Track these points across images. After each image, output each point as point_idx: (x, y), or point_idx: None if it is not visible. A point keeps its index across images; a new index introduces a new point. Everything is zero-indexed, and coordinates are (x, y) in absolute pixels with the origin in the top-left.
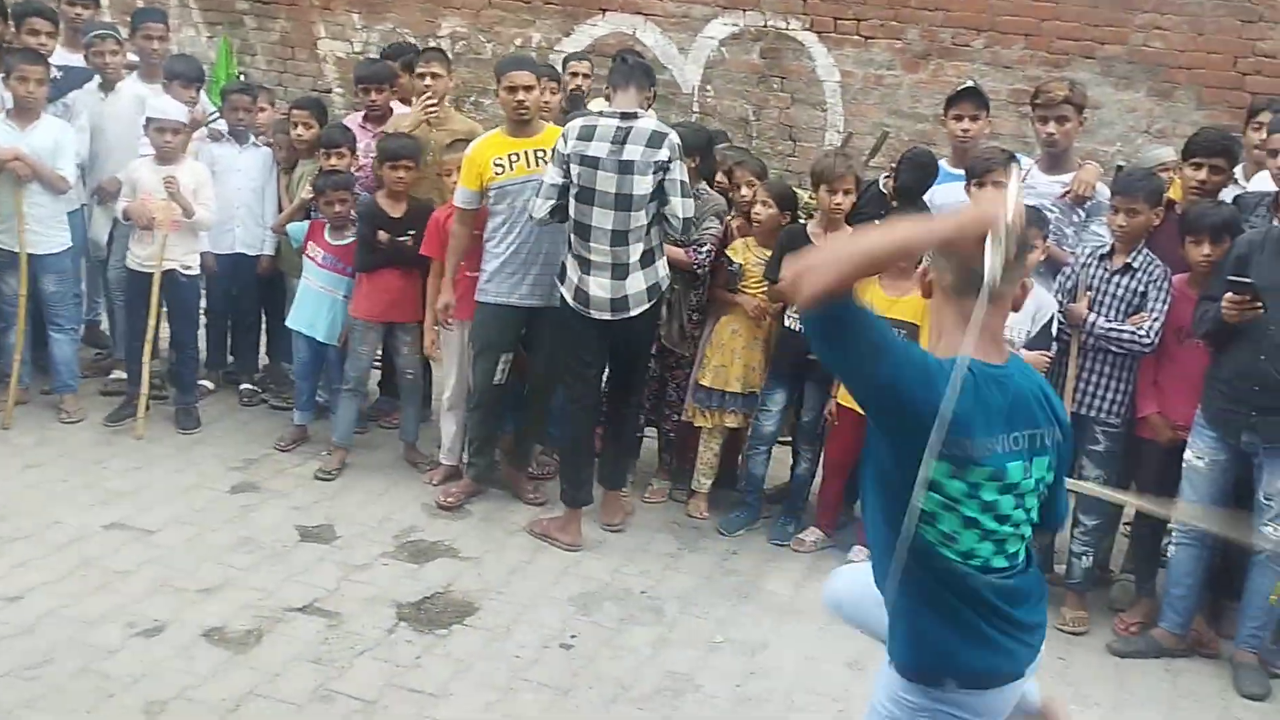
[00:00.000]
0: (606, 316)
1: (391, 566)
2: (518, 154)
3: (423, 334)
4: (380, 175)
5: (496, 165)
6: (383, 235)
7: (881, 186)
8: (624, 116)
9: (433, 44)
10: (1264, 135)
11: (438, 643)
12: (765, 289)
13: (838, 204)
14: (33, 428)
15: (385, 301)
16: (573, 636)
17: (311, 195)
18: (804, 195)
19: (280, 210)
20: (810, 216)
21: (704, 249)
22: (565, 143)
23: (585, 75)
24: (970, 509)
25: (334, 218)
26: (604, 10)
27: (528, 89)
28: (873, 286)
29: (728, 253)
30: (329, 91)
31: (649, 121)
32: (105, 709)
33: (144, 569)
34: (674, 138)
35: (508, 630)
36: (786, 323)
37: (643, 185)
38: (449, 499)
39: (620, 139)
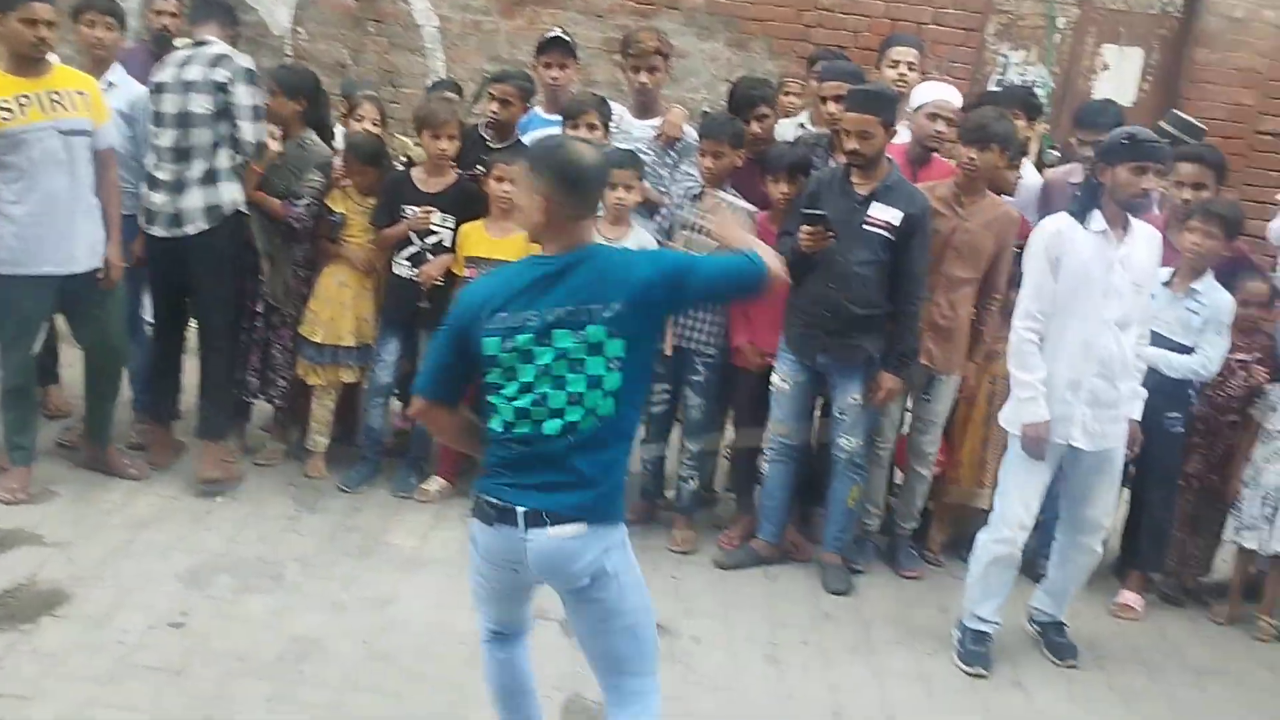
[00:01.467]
0: (163, 233)
1: None
2: (28, 96)
3: None
4: None
5: (3, 110)
6: None
7: (482, 131)
8: (198, 44)
9: None
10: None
11: (23, 639)
12: (373, 237)
13: (442, 149)
14: None
15: None
16: (183, 614)
17: None
18: (408, 142)
19: None
20: (413, 163)
21: (301, 201)
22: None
23: (173, 14)
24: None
25: None
26: None
27: (50, 24)
28: (477, 230)
29: (327, 202)
30: None
31: (221, 47)
32: None
33: None
34: (240, 63)
35: (108, 617)
36: (396, 270)
37: (200, 103)
38: (14, 495)
39: (185, 61)
